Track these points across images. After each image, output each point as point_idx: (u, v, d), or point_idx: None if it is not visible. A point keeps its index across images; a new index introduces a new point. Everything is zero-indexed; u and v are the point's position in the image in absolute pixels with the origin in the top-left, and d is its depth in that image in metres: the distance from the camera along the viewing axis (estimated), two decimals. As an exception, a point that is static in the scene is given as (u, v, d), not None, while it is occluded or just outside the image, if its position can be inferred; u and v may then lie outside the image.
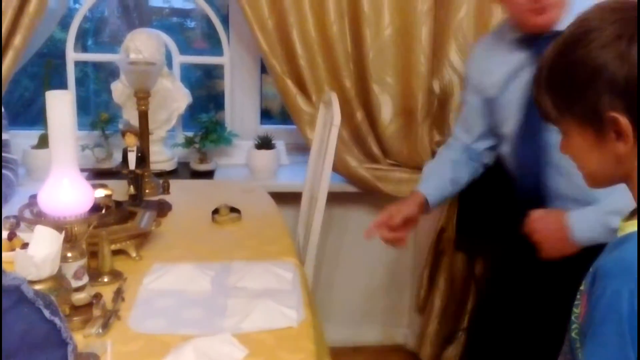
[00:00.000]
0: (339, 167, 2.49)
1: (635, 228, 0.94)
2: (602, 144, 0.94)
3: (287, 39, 2.38)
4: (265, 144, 2.58)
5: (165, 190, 2.15)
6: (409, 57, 2.41)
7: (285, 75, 2.42)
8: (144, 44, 2.36)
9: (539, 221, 1.66)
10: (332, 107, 2.11)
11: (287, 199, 2.48)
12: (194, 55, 2.78)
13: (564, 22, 1.58)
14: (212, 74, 2.87)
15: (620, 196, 1.52)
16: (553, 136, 1.61)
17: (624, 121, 0.90)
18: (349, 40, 2.43)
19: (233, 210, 1.96)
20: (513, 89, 1.75)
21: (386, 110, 2.48)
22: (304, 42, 2.38)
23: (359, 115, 2.49)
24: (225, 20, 2.64)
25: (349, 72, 2.44)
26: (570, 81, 0.94)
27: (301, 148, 2.65)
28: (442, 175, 2.01)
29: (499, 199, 2.44)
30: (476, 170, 2.06)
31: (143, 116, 2.15)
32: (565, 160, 1.21)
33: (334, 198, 2.53)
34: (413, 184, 2.54)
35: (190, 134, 2.63)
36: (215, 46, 2.67)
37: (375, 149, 2.55)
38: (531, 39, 1.69)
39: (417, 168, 2.54)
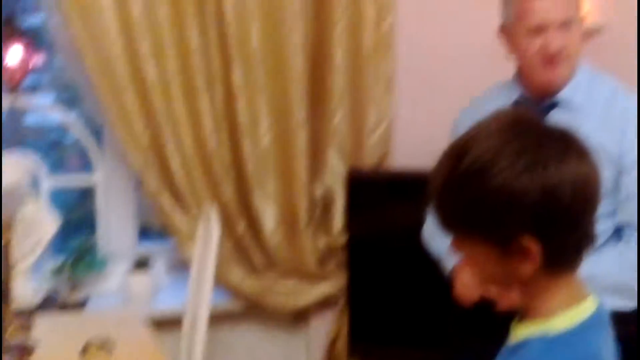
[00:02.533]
0: (222, 282, 2.40)
1: (530, 331, 0.94)
2: (504, 262, 0.92)
3: (163, 154, 2.32)
4: (142, 265, 2.45)
5: (28, 329, 1.93)
6: (288, 163, 2.43)
7: (162, 191, 2.35)
8: (6, 172, 2.20)
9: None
10: (211, 220, 2.05)
11: (168, 324, 2.33)
12: (68, 174, 2.65)
13: (570, 86, 1.65)
14: (87, 192, 2.72)
15: (601, 274, 1.56)
16: None
17: (535, 245, 0.89)
18: (227, 150, 2.41)
19: (103, 346, 1.79)
20: None
21: (269, 219, 2.44)
22: (180, 155, 2.33)
23: (241, 226, 2.44)
24: (99, 137, 2.53)
25: (229, 182, 2.41)
26: (482, 206, 0.91)
27: (182, 265, 2.53)
28: None
29: (391, 298, 2.46)
30: None
31: (4, 250, 1.96)
32: None
33: (219, 318, 2.41)
34: (300, 294, 2.51)
35: (60, 259, 2.44)
36: (91, 165, 2.55)
37: (259, 260, 2.48)
38: (530, 103, 1.70)
39: (303, 276, 2.51)
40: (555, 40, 1.58)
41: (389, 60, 2.47)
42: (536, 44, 1.60)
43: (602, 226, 1.60)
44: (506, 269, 0.92)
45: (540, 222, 0.88)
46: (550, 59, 1.60)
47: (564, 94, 1.64)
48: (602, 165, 1.55)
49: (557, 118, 1.65)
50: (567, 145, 0.91)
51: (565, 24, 1.58)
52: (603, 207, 1.55)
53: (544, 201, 0.87)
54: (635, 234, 1.58)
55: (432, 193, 0.96)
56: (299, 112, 2.37)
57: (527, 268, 0.91)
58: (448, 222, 0.96)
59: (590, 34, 2.53)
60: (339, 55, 2.43)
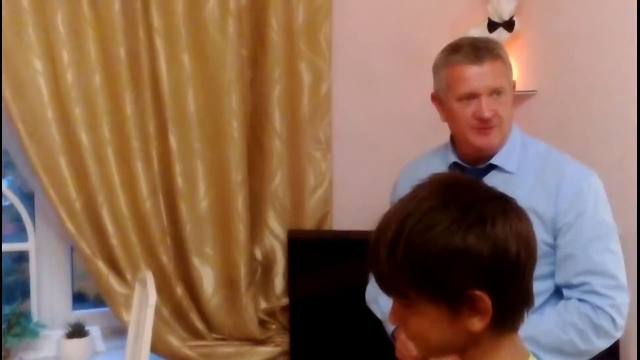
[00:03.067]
0: (160, 349, 2.35)
1: None
2: (454, 319, 0.92)
3: (97, 219, 2.28)
4: (77, 331, 2.39)
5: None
6: (227, 227, 2.41)
7: (96, 256, 2.30)
8: None
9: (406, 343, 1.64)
10: (147, 286, 2.02)
11: (106, 391, 2.28)
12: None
13: (503, 151, 1.67)
14: (21, 257, 2.66)
15: (543, 333, 1.56)
16: None
17: (486, 299, 0.90)
18: (164, 215, 2.38)
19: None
20: None
21: (208, 283, 2.42)
22: (115, 220, 2.29)
23: (179, 290, 2.40)
24: (31, 203, 2.49)
25: (166, 247, 2.37)
26: (431, 263, 0.91)
27: (118, 332, 2.47)
28: None
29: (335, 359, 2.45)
30: None
31: None
32: None
33: (158, 383, 2.36)
34: (242, 358, 2.47)
35: (-10, 328, 2.37)
36: (24, 230, 2.50)
37: (199, 325, 2.44)
38: (465, 167, 1.71)
39: (245, 340, 2.47)
40: (486, 108, 1.61)
41: (327, 123, 2.50)
42: (468, 111, 1.63)
43: (542, 286, 1.62)
44: (455, 329, 0.92)
45: (491, 277, 0.90)
46: (483, 126, 1.63)
47: (497, 159, 1.67)
48: (537, 227, 1.60)
49: (491, 182, 1.67)
50: (507, 203, 0.94)
51: (496, 92, 1.62)
52: (541, 269, 1.59)
53: (494, 255, 0.89)
54: (574, 294, 1.60)
55: (374, 258, 0.96)
56: (237, 175, 2.36)
57: (477, 324, 0.91)
58: (394, 287, 0.96)
59: (521, 98, 2.63)
60: (277, 119, 2.45)
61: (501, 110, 1.62)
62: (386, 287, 0.97)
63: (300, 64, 2.45)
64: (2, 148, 2.32)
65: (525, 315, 0.96)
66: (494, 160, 1.67)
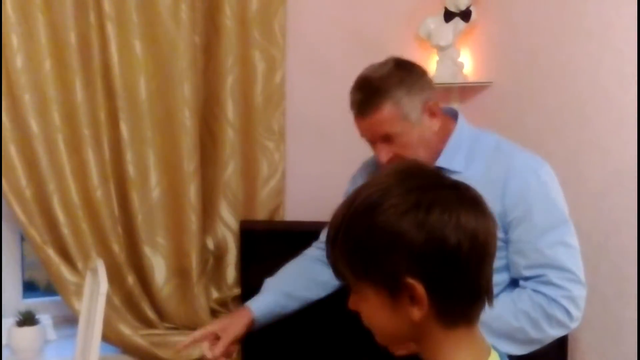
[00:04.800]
0: (112, 337, 2.34)
1: None
2: (395, 307, 0.92)
3: (48, 207, 2.26)
4: (27, 320, 2.36)
5: None
6: (179, 216, 2.40)
7: (47, 244, 2.28)
8: None
9: None
10: (98, 274, 2.02)
11: (56, 379, 2.26)
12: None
13: (444, 155, 1.68)
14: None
15: (494, 319, 1.54)
16: None
17: (419, 288, 0.89)
18: (115, 203, 2.37)
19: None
20: None
21: (159, 272, 2.41)
22: (66, 209, 2.27)
23: (131, 279, 2.39)
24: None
25: (117, 236, 2.36)
26: (367, 246, 0.91)
27: (70, 320, 2.46)
28: (279, 287, 1.93)
29: (286, 349, 2.46)
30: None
31: None
32: None
33: (109, 372, 2.36)
34: (194, 347, 2.46)
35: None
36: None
37: (150, 314, 2.44)
38: None
39: (196, 329, 2.47)
40: (381, 153, 1.65)
41: (280, 113, 2.50)
42: (375, 152, 1.69)
43: (497, 279, 1.64)
44: (399, 317, 0.92)
45: (423, 264, 0.88)
46: (388, 164, 1.65)
47: (440, 161, 1.67)
48: None
49: None
50: (460, 194, 0.92)
51: (387, 138, 1.63)
52: (496, 262, 1.62)
53: (427, 242, 0.88)
54: (529, 285, 1.60)
55: (326, 244, 0.97)
56: (189, 164, 2.36)
57: (416, 313, 0.90)
58: (339, 272, 0.96)
59: (477, 89, 2.68)
60: (229, 108, 2.45)
61: (401, 151, 1.64)
62: (334, 272, 0.98)
63: (254, 53, 2.45)
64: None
65: (482, 308, 0.95)
66: (438, 163, 1.68)
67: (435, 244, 0.88)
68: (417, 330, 0.93)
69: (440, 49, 2.65)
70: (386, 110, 1.61)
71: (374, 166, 1.88)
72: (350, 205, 0.94)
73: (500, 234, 1.61)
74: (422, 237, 0.88)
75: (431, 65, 2.68)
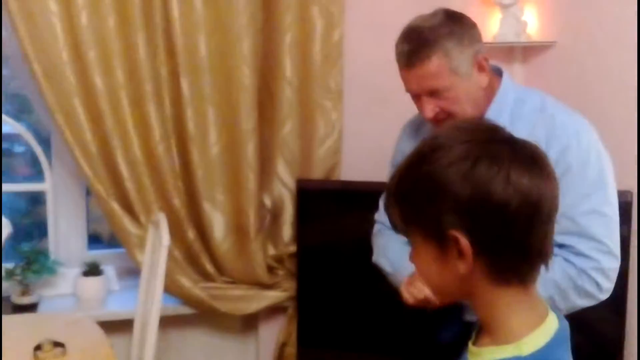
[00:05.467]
0: (173, 289, 2.42)
1: (498, 356, 0.90)
2: (444, 260, 0.91)
3: (112, 162, 2.33)
4: (92, 270, 2.46)
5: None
6: (237, 173, 2.44)
7: (111, 198, 2.36)
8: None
9: (411, 284, 1.62)
10: (160, 228, 2.08)
11: (119, 327, 2.36)
12: (17, 182, 2.64)
13: (491, 109, 1.62)
14: (38, 200, 2.73)
15: None
16: None
17: (464, 241, 0.88)
18: (176, 159, 2.43)
19: (57, 344, 1.83)
20: None
21: (218, 228, 2.46)
22: (129, 163, 2.34)
23: (191, 234, 2.46)
24: (47, 145, 2.55)
25: (178, 191, 2.42)
26: (416, 195, 0.92)
27: (132, 272, 2.55)
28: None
29: (339, 305, 2.50)
30: None
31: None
32: None
33: (169, 321, 2.44)
34: (250, 301, 2.54)
35: (11, 265, 2.45)
36: (41, 172, 2.56)
37: (209, 267, 2.51)
38: None
39: (253, 284, 2.54)
40: (426, 108, 1.59)
41: (338, 72, 2.49)
42: (418, 106, 1.63)
43: None
44: (448, 271, 0.91)
45: (468, 218, 0.87)
46: (431, 121, 1.62)
47: (487, 116, 1.62)
48: None
49: None
50: (515, 150, 0.90)
51: (434, 92, 1.58)
52: None
53: (472, 196, 0.86)
54: (561, 253, 1.56)
55: (386, 194, 0.98)
56: (247, 123, 2.38)
57: (462, 268, 0.89)
58: (395, 224, 0.97)
59: (540, 49, 2.61)
60: (287, 67, 2.45)
61: (447, 106, 1.58)
62: (391, 224, 0.98)
63: (312, 9, 2.44)
64: (18, 92, 2.36)
65: (537, 269, 0.93)
66: (485, 117, 1.62)
67: (481, 197, 0.86)
68: (467, 286, 0.92)
69: (504, 6, 2.59)
70: (435, 62, 1.55)
71: (415, 128, 1.85)
72: (408, 159, 0.94)
73: None
74: (467, 190, 0.87)
75: (494, 23, 2.62)
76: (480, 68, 1.61)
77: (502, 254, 0.89)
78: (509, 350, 0.90)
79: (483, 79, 1.62)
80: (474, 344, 0.96)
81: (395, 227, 0.98)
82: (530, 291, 0.94)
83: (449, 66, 1.56)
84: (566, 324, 0.99)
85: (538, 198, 0.88)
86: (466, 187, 0.87)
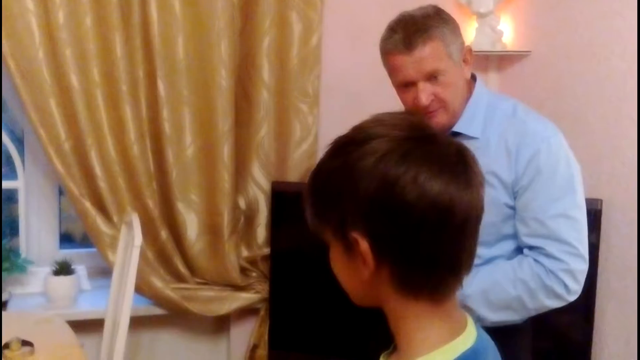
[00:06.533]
0: (144, 289, 2.41)
1: None
2: (351, 263, 0.84)
3: (86, 161, 2.32)
4: (63, 269, 2.44)
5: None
6: (212, 174, 2.44)
7: (84, 197, 2.34)
8: None
9: None
10: (133, 228, 2.07)
11: (89, 327, 2.35)
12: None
13: (462, 120, 1.65)
14: (9, 198, 2.70)
15: (493, 285, 1.59)
16: None
17: (364, 245, 0.80)
18: (151, 160, 2.42)
19: (25, 343, 1.81)
20: None
21: (192, 228, 2.47)
22: (103, 163, 2.33)
23: (164, 234, 2.45)
24: (21, 144, 2.53)
25: (152, 191, 2.42)
26: (326, 191, 0.84)
27: (104, 272, 2.54)
28: None
29: (311, 308, 2.51)
30: None
31: None
32: None
33: (141, 322, 2.43)
34: (222, 302, 2.54)
35: (-21, 262, 2.43)
36: (14, 170, 2.54)
37: (182, 268, 2.50)
38: None
39: (226, 285, 2.54)
40: (423, 95, 1.58)
41: (315, 76, 2.51)
42: (409, 97, 1.62)
43: (508, 246, 1.66)
44: (355, 275, 0.84)
45: (370, 218, 0.80)
46: (424, 111, 1.61)
47: (459, 126, 1.66)
48: (499, 191, 1.61)
49: None
50: (436, 152, 0.81)
51: (433, 75, 1.58)
52: (507, 229, 1.63)
53: (376, 194, 0.79)
54: (531, 254, 1.60)
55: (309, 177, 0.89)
56: (224, 124, 2.39)
57: (365, 273, 0.82)
58: (309, 211, 0.88)
59: (515, 58, 2.65)
60: (265, 70, 2.46)
61: (442, 92, 1.60)
62: (309, 224, 0.89)
63: (291, 14, 2.45)
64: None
65: (451, 282, 0.84)
66: (455, 128, 1.66)
67: (384, 197, 0.79)
68: (375, 293, 0.85)
69: (480, 15, 2.62)
70: (435, 44, 1.56)
71: None
72: (325, 151, 0.87)
73: (510, 202, 1.62)
74: (371, 186, 0.79)
75: (470, 32, 2.66)
76: (466, 60, 1.65)
77: (407, 263, 0.81)
78: None
79: (467, 72, 1.66)
80: (388, 355, 0.88)
81: (310, 225, 0.89)
82: (444, 306, 0.84)
83: (446, 50, 1.58)
84: (487, 346, 0.89)
85: (449, 205, 0.79)
86: (370, 183, 0.79)
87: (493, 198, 1.61)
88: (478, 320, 1.61)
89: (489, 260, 1.66)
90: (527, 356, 1.75)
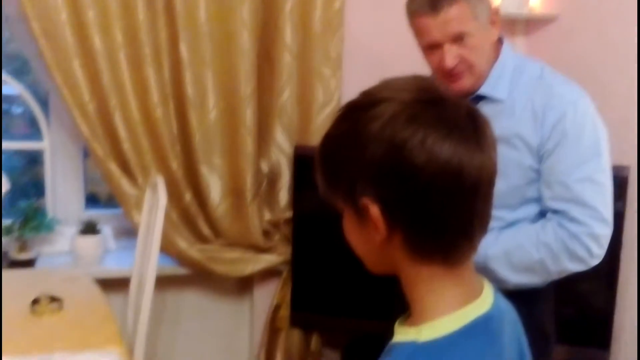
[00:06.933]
0: (169, 249, 2.45)
1: (403, 336, 0.83)
2: (364, 229, 0.83)
3: (110, 122, 2.34)
4: (89, 229, 2.49)
5: (-22, 282, 1.99)
6: (235, 138, 2.45)
7: (109, 158, 2.37)
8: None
9: None
10: (158, 189, 2.10)
11: (115, 285, 2.40)
12: (14, 141, 2.66)
13: (487, 83, 1.64)
14: (36, 159, 2.75)
15: (515, 248, 1.60)
16: None
17: (374, 211, 0.80)
18: (174, 122, 2.44)
19: (54, 299, 1.87)
20: None
21: (215, 191, 2.49)
22: (127, 124, 2.35)
23: (188, 196, 2.48)
24: (46, 106, 2.56)
25: (176, 154, 2.44)
26: (336, 157, 0.84)
27: (129, 232, 2.59)
28: None
29: (333, 271, 2.54)
30: None
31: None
32: None
33: (166, 282, 2.48)
34: (245, 264, 2.58)
35: (9, 221, 2.48)
36: (39, 131, 2.57)
37: (205, 230, 2.54)
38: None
39: (249, 247, 2.57)
40: (448, 57, 1.57)
41: (338, 40, 2.48)
42: (435, 59, 1.61)
43: (529, 210, 1.66)
44: (368, 242, 0.84)
45: (379, 183, 0.79)
46: (450, 74, 1.61)
47: (484, 89, 1.65)
48: (524, 154, 1.61)
49: (483, 110, 1.68)
50: (445, 114, 0.79)
51: (459, 38, 1.57)
52: (530, 193, 1.64)
53: (385, 158, 0.78)
54: (554, 218, 1.60)
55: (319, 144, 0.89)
56: (246, 88, 2.38)
57: (378, 238, 0.82)
58: (320, 178, 0.88)
59: (543, 23, 2.61)
60: (288, 33, 2.45)
61: (468, 54, 1.58)
62: (320, 192, 0.90)
63: (314, -24, 2.41)
64: (17, 53, 2.36)
65: (465, 246, 0.83)
66: (481, 91, 1.65)
67: (392, 161, 0.78)
68: (388, 258, 0.84)
69: (507, -23, 2.58)
70: (461, 6, 1.54)
71: None
72: (335, 117, 0.86)
73: (535, 165, 1.62)
74: (379, 151, 0.78)
75: (496, -5, 2.61)
76: (493, 22, 1.63)
77: (418, 227, 0.80)
78: (410, 333, 0.81)
79: (494, 33, 1.65)
80: (403, 320, 0.86)
81: (321, 193, 0.89)
82: (457, 271, 0.83)
83: (472, 12, 1.57)
84: (503, 312, 0.88)
85: (458, 168, 0.78)
86: (378, 148, 0.78)
87: (517, 161, 1.62)
88: (499, 282, 1.63)
89: (511, 224, 1.66)
90: (550, 321, 1.76)
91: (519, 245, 1.62)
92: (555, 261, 1.60)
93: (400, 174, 0.78)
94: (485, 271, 1.63)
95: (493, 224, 1.62)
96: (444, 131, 0.78)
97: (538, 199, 1.66)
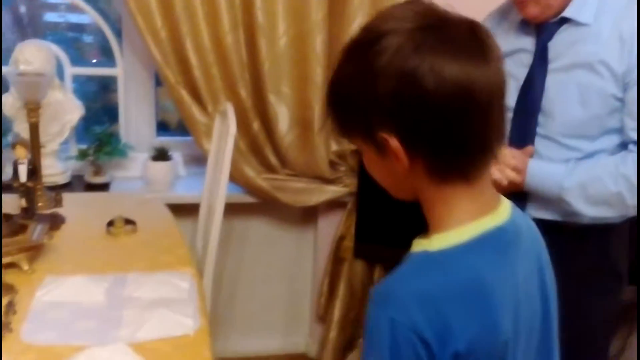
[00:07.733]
0: (237, 178, 2.48)
1: (418, 246, 0.87)
2: (385, 161, 0.86)
3: (181, 49, 2.35)
4: (161, 155, 2.54)
5: (58, 203, 2.08)
6: (304, 67, 2.43)
7: (180, 85, 2.39)
8: (33, 55, 2.32)
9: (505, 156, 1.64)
10: (228, 117, 2.11)
11: (185, 210, 2.46)
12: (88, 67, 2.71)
13: (572, 6, 1.60)
14: (108, 86, 2.81)
15: (592, 180, 1.57)
16: (541, 119, 1.63)
17: (394, 143, 0.82)
18: (244, 50, 2.42)
19: (128, 222, 1.94)
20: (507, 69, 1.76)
21: (283, 121, 2.49)
22: (198, 52, 2.35)
23: (256, 125, 2.49)
24: (119, 32, 2.59)
25: (245, 82, 2.44)
26: (348, 96, 0.85)
27: (198, 159, 2.63)
28: None
29: (397, 203, 2.53)
30: None
31: (34, 128, 2.10)
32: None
33: (233, 209, 2.52)
34: (311, 194, 2.60)
35: (84, 146, 2.55)
36: (111, 59, 2.61)
37: (272, 159, 2.55)
38: (531, 23, 1.66)
39: (315, 177, 2.59)
40: None
41: (412, -34, 2.42)
42: None
43: (609, 142, 1.62)
44: (390, 172, 0.87)
45: (396, 116, 0.81)
46: (521, 5, 1.59)
47: (569, 11, 1.60)
48: (608, 81, 1.55)
49: (563, 37, 1.61)
50: (448, 36, 0.80)
51: None
52: (612, 123, 1.59)
53: (397, 90, 0.79)
54: (635, 149, 1.56)
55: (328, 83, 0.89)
56: (317, 13, 2.34)
57: (400, 168, 0.84)
58: (334, 118, 0.89)
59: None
60: (360, -42, 2.37)
61: None
62: (336, 130, 0.91)
63: None
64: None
65: (482, 163, 0.86)
66: (565, 13, 1.60)
67: (404, 92, 0.79)
68: (411, 185, 0.87)
69: None
70: None
71: (500, 16, 1.81)
72: (341, 56, 0.87)
73: (619, 94, 1.57)
74: (390, 84, 0.80)
75: None
76: None
77: (438, 152, 0.83)
78: (423, 244, 0.86)
79: None
80: (421, 236, 0.90)
81: (338, 131, 0.91)
82: (476, 185, 0.86)
83: None
84: (520, 227, 0.92)
85: (470, 86, 0.80)
86: (388, 81, 0.79)
87: (600, 88, 1.56)
88: (575, 215, 1.60)
89: (590, 155, 1.62)
90: (623, 260, 1.73)
91: (596, 177, 1.58)
92: (634, 194, 1.56)
93: (415, 103, 0.80)
94: (559, 203, 1.61)
95: (570, 154, 1.61)
96: (451, 53, 0.79)
97: (619, 130, 1.61)
